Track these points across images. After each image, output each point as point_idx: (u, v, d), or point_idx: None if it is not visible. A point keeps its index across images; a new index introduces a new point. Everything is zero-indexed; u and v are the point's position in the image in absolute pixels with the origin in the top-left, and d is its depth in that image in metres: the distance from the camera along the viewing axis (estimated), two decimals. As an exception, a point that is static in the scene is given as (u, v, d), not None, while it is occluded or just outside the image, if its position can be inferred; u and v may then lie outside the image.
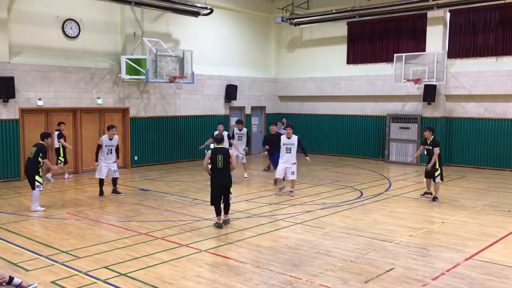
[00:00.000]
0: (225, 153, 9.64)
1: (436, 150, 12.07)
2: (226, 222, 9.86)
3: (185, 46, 18.64)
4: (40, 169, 11.14)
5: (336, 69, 21.40)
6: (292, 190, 12.92)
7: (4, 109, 14.68)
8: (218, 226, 9.65)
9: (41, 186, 11.12)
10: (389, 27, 20.01)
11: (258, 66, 22.93)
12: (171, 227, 9.72)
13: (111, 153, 12.63)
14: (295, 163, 12.74)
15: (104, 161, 12.52)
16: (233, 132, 15.83)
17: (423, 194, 12.78)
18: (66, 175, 15.67)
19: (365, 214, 10.96)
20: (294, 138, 12.63)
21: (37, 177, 10.98)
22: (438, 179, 12.25)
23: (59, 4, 15.95)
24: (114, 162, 12.76)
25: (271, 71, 23.51)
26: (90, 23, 16.72)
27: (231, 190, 9.82)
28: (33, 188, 11.01)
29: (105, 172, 12.58)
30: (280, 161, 12.85)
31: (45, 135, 11.43)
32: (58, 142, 14.85)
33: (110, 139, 12.60)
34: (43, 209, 11.15)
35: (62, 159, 15.01)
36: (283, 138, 12.81)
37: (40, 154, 11.01)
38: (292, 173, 12.72)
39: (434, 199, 12.33)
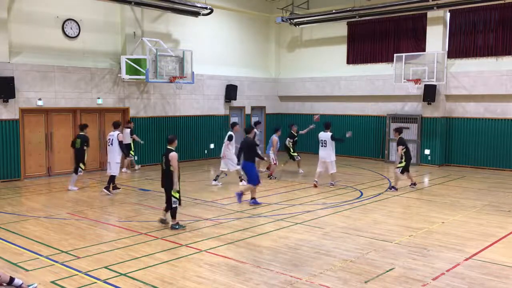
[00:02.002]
0: (166, 155, 9.36)
1: (398, 148, 13.38)
2: (173, 227, 9.45)
3: (185, 46, 18.64)
4: (85, 157, 13.30)
5: (336, 69, 21.40)
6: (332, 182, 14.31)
7: (4, 109, 14.69)
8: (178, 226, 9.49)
9: (82, 171, 13.40)
10: (389, 27, 20.01)
11: (258, 66, 22.93)
12: (171, 227, 9.72)
13: None
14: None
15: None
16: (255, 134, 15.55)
17: (410, 185, 14.07)
18: (137, 166, 17.47)
19: (365, 214, 10.96)
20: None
21: (81, 164, 13.19)
22: (398, 170, 13.50)
23: (59, 4, 15.96)
24: None
25: (271, 71, 23.51)
26: (90, 23, 16.73)
27: (173, 194, 9.32)
28: (76, 172, 13.25)
29: None
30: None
31: (84, 126, 13.50)
32: (131, 137, 16.68)
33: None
34: (77, 189, 13.30)
35: (133, 153, 16.91)
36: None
37: (85, 144, 13.17)
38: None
39: (391, 187, 13.63)
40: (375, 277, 6.98)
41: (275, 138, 15.85)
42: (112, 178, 13.00)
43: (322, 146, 14.22)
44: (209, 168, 18.28)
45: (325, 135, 14.23)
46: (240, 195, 11.75)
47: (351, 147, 21.23)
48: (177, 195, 9.42)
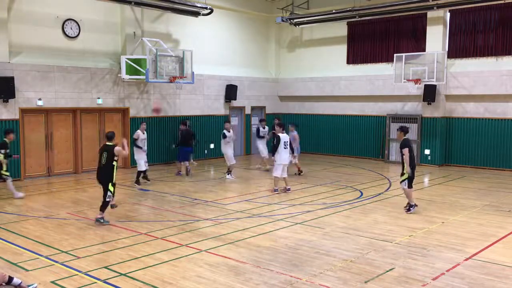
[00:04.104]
0: (109, 150, 9.83)
1: (405, 151, 10.79)
2: (97, 220, 9.81)
3: (185, 46, 18.64)
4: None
5: (336, 69, 21.40)
6: (275, 188, 13.38)
7: (4, 109, 14.68)
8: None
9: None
10: (389, 27, 20.01)
11: (258, 66, 22.93)
12: (171, 227, 9.72)
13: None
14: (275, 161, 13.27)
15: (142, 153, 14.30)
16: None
17: (407, 207, 11.10)
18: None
19: (365, 214, 10.96)
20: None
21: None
22: (403, 185, 10.96)
23: (59, 4, 15.95)
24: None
25: (271, 71, 23.51)
26: (90, 23, 16.72)
27: (110, 188, 9.80)
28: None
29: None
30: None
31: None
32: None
33: (144, 133, 14.40)
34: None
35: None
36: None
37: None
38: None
39: (409, 208, 10.98)
40: (375, 277, 6.98)
41: (296, 134, 16.31)
42: (138, 173, 14.43)
43: (285, 148, 13.17)
44: (209, 168, 18.28)
45: (287, 137, 13.38)
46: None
47: (351, 147, 21.25)
48: (112, 189, 9.84)
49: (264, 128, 17.60)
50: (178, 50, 17.50)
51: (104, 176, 9.83)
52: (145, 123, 14.96)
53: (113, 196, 9.99)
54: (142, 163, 14.25)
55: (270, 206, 11.66)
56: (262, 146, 17.50)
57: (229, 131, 15.65)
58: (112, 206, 10.46)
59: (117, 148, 9.86)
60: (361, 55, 20.91)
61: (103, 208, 9.90)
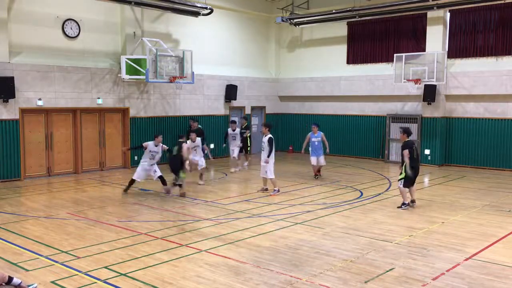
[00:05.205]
0: (180, 144, 12.61)
1: (404, 153, 11.11)
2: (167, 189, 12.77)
3: (185, 46, 18.64)
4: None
5: (336, 69, 21.40)
6: (274, 189, 13.11)
7: (4, 109, 14.68)
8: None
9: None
10: (389, 27, 20.02)
11: (258, 66, 22.93)
12: (171, 227, 9.73)
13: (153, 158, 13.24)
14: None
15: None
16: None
17: (405, 205, 11.43)
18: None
19: (365, 214, 10.96)
20: (265, 138, 13.03)
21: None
22: (399, 184, 11.33)
23: (59, 4, 15.95)
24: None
25: (271, 71, 23.51)
26: (90, 23, 16.72)
27: (181, 175, 12.54)
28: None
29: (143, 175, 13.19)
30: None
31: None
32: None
33: (156, 146, 13.19)
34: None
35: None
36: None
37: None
38: (265, 171, 13.07)
39: (401, 206, 11.38)
40: (375, 277, 6.98)
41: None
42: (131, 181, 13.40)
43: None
44: (209, 168, 18.26)
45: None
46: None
47: (351, 147, 21.24)
48: (183, 175, 12.60)
49: (234, 130, 16.92)
50: (178, 50, 17.50)
51: (175, 164, 12.43)
52: (161, 136, 13.43)
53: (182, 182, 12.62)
54: (139, 170, 13.14)
55: (270, 206, 11.66)
56: (237, 148, 17.02)
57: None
58: (183, 194, 12.58)
59: (185, 144, 12.60)
60: (361, 55, 20.92)
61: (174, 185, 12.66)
